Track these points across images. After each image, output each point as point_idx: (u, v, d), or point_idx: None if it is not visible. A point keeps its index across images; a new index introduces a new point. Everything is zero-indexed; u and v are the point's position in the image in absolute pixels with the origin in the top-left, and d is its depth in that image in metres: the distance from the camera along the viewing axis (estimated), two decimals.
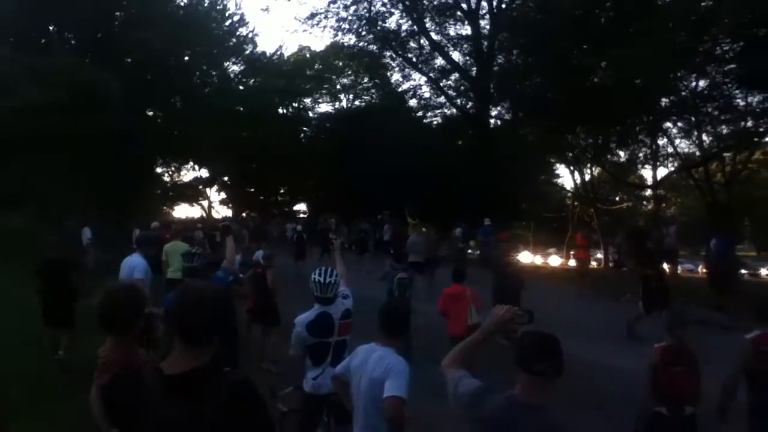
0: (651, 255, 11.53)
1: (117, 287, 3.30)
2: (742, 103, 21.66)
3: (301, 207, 42.52)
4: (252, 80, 36.80)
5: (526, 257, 28.18)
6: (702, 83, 21.61)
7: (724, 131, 23.99)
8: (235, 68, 36.80)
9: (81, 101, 21.07)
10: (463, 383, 2.68)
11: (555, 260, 28.35)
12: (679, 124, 25.16)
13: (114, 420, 2.22)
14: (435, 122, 35.32)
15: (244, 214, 36.58)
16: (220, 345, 2.15)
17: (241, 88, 36.43)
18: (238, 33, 35.21)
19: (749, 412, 4.57)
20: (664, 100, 22.37)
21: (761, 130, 21.92)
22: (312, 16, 29.44)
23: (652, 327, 8.25)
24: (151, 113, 33.67)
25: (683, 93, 21.91)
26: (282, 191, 42.65)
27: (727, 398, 4.63)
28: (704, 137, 24.88)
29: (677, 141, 26.80)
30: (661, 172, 28.04)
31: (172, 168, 41.86)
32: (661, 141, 26.76)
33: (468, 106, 30.03)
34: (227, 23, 34.74)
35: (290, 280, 10.26)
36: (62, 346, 8.15)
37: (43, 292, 8.24)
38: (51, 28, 29.33)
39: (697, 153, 25.82)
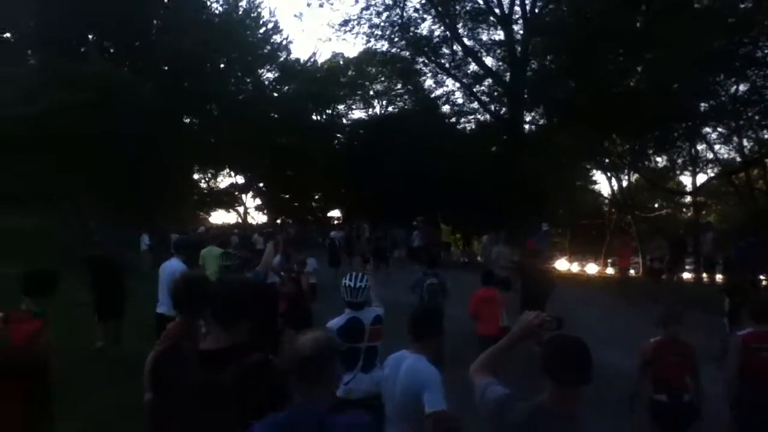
0: (738, 266, 11.01)
1: (191, 274, 3.63)
2: None
3: (335, 213, 42.82)
4: (286, 87, 37.22)
5: (562, 264, 27.85)
6: (742, 87, 21.19)
7: (766, 136, 23.43)
8: (270, 75, 37.34)
9: (113, 104, 21.47)
10: (491, 390, 2.67)
11: (592, 268, 27.97)
12: (719, 129, 24.63)
13: (155, 384, 2.82)
14: (469, 128, 35.17)
15: (279, 220, 36.95)
16: (262, 348, 2.57)
17: (275, 94, 36.86)
18: (272, 40, 35.70)
19: (737, 404, 4.86)
20: (703, 105, 21.94)
21: None
22: (345, 22, 29.58)
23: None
24: (187, 120, 34.26)
25: (722, 97, 21.47)
26: (316, 197, 42.94)
27: (732, 394, 4.89)
28: (745, 142, 24.36)
29: (717, 146, 26.26)
30: (701, 178, 27.53)
31: (209, 174, 42.55)
32: (700, 146, 26.26)
33: (502, 112, 29.84)
34: (261, 31, 35.27)
35: (327, 286, 10.39)
36: (101, 338, 8.79)
37: (98, 288, 8.87)
38: (90, 36, 30.07)
39: (738, 159, 25.27)
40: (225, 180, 43.60)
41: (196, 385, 2.32)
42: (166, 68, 30.56)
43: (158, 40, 30.07)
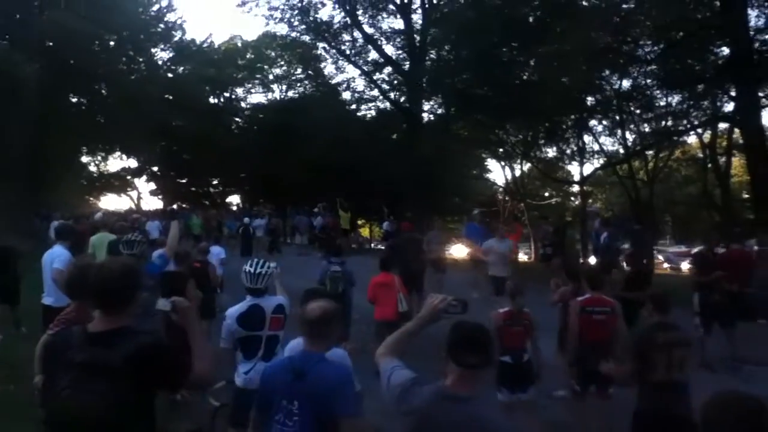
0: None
1: (84, 262, 3.69)
2: (662, 103, 22.62)
3: (233, 199, 41.88)
4: (181, 68, 35.83)
5: (458, 251, 28.42)
6: (626, 83, 22.44)
7: (646, 129, 24.98)
8: (164, 55, 35.75)
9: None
10: (396, 374, 2.68)
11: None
12: (604, 122, 26.03)
13: (45, 366, 2.86)
14: (368, 115, 35.31)
15: (175, 206, 35.62)
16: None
17: (169, 75, 35.41)
18: (166, 19, 34.16)
19: (575, 359, 5.75)
20: (590, 99, 23.06)
21: (680, 129, 22.93)
22: (243, 3, 28.84)
23: None
24: (75, 99, 32.32)
25: (607, 92, 22.65)
26: (215, 182, 41.79)
27: (572, 352, 5.79)
28: (627, 135, 25.86)
29: (602, 138, 27.74)
30: (588, 168, 28.99)
31: (99, 157, 40.41)
32: (587, 138, 27.63)
33: (401, 100, 30.10)
34: (155, 8, 33.66)
35: (235, 277, 10.08)
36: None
37: None
38: None
39: (621, 150, 26.80)
40: (116, 163, 41.59)
41: (84, 364, 2.35)
42: (51, 44, 28.59)
43: (43, 14, 28.01)
